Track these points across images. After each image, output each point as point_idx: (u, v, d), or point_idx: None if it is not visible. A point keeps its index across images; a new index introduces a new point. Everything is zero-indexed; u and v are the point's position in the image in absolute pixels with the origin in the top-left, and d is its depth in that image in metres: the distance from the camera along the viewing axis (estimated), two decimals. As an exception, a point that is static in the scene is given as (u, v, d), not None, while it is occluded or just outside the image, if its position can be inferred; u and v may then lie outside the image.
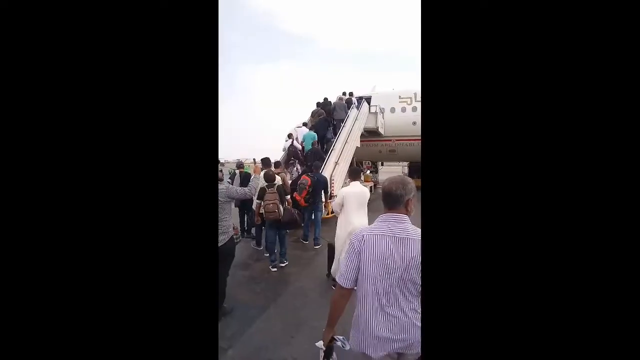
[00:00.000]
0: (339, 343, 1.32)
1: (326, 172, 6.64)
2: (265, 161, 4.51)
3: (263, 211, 3.88)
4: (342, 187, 6.08)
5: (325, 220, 6.12)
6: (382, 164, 16.44)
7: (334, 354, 1.35)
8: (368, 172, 13.73)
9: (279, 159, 7.06)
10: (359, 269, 1.23)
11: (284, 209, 3.86)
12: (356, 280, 1.24)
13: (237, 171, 5.71)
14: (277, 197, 3.82)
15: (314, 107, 8.70)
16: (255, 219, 4.25)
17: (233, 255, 2.84)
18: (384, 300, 1.19)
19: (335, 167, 7.08)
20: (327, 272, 3.64)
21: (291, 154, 7.49)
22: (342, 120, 8.34)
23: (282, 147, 8.21)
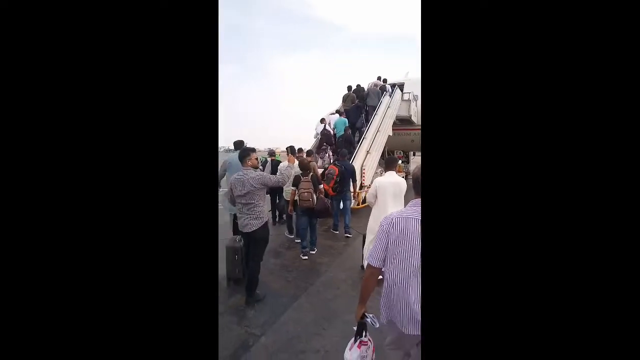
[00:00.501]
0: (369, 320, 1.40)
1: (357, 161, 6.49)
2: (290, 149, 4.50)
3: (297, 198, 3.92)
4: (375, 177, 5.93)
5: (355, 211, 6.04)
6: (414, 154, 15.84)
7: (366, 332, 1.42)
8: (400, 162, 13.33)
9: (309, 148, 7.02)
10: (387, 249, 1.30)
11: (317, 198, 3.87)
12: (384, 260, 1.32)
13: (269, 159, 5.79)
14: (311, 186, 3.83)
15: (346, 92, 8.49)
16: (289, 207, 4.29)
17: (266, 241, 2.86)
18: (413, 280, 1.24)
19: (366, 156, 6.90)
20: (361, 263, 3.57)
21: (324, 138, 7.42)
22: (374, 107, 8.05)
23: (315, 130, 8.11)
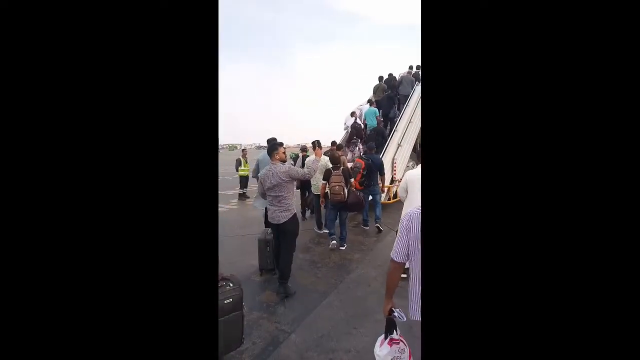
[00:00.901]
0: (395, 314, 1.42)
1: (388, 154, 6.28)
2: (317, 143, 4.45)
3: (328, 191, 3.91)
4: (407, 170, 5.71)
5: (386, 206, 5.86)
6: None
7: (396, 329, 1.42)
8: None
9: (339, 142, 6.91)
10: (409, 245, 1.35)
11: (348, 192, 3.84)
12: (407, 255, 1.37)
13: (301, 154, 5.83)
14: (343, 180, 3.79)
15: (376, 82, 8.23)
16: (321, 199, 4.29)
17: (296, 233, 2.92)
18: None
19: (397, 149, 6.65)
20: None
21: (354, 131, 7.28)
22: (407, 96, 7.72)
23: (344, 123, 7.97)
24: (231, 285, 1.88)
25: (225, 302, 1.80)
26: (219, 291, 1.78)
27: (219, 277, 1.84)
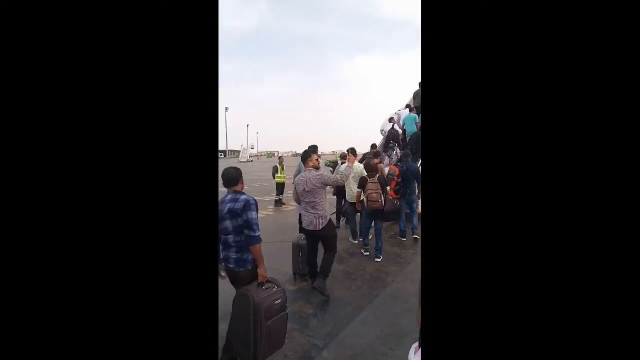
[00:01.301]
0: None
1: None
2: (351, 150, 4.37)
3: (364, 199, 3.82)
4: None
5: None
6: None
7: None
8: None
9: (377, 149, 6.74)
10: None
11: (385, 200, 3.73)
12: None
13: (340, 162, 5.80)
14: (379, 187, 3.69)
15: (417, 87, 7.93)
16: (357, 206, 4.18)
17: (335, 235, 2.99)
18: None
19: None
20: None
21: (390, 137, 7.08)
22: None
23: (382, 129, 7.76)
24: (277, 287, 1.88)
25: (276, 302, 1.80)
26: (268, 292, 1.79)
27: (265, 279, 1.87)
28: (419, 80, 8.08)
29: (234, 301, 1.86)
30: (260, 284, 1.83)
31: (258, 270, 1.86)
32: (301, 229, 3.30)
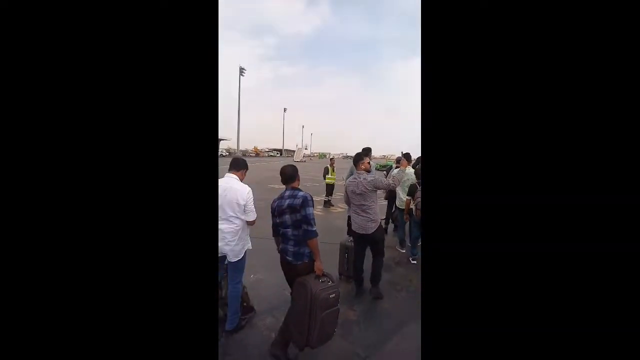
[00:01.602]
0: None
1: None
2: (405, 155, 4.14)
3: (413, 207, 3.69)
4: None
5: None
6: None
7: None
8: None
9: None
10: None
11: None
12: None
13: (395, 166, 5.71)
14: None
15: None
16: (405, 216, 4.06)
17: (383, 240, 2.98)
18: None
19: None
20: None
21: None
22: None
23: None
24: (331, 282, 1.92)
25: (331, 296, 1.84)
26: (324, 285, 1.85)
27: (322, 273, 1.93)
28: None
29: (292, 289, 1.95)
30: (317, 277, 1.88)
31: (315, 263, 1.92)
32: (349, 231, 3.27)
